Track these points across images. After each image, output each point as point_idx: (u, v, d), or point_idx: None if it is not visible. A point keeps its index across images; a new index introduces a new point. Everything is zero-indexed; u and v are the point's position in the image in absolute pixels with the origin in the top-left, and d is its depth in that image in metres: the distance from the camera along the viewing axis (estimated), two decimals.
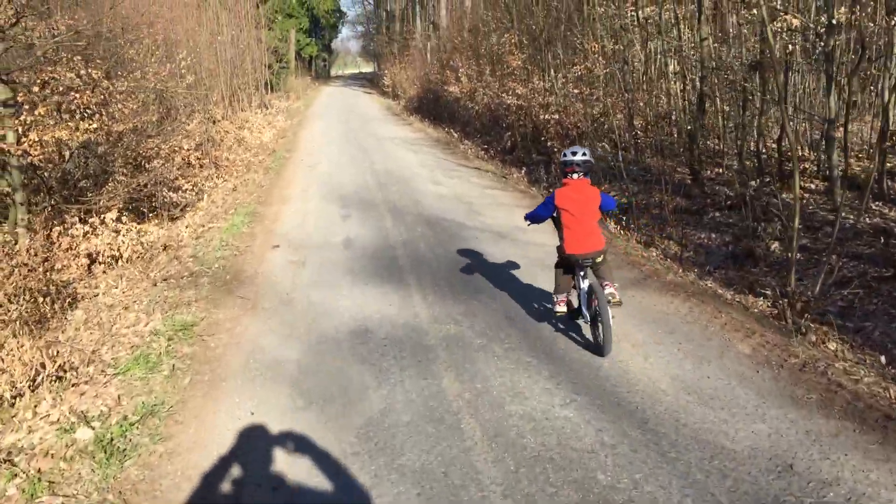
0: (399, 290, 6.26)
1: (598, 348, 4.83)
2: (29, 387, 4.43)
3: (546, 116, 13.98)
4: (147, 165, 11.56)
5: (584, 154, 4.87)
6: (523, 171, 12.49)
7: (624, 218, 9.16)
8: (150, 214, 11.02)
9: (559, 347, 4.96)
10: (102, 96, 9.67)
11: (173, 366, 4.78)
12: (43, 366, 4.48)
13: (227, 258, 7.46)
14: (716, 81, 11.05)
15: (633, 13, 12.33)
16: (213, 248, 7.76)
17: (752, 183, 9.83)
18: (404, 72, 31.60)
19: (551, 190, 10.96)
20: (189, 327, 5.43)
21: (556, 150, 13.30)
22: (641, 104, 12.75)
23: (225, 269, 7.06)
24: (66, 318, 6.94)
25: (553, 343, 5.03)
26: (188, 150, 13.58)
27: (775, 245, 8.27)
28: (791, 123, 11.51)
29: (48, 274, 7.70)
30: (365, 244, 7.90)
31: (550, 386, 4.37)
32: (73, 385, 4.45)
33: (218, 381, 4.61)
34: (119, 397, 4.31)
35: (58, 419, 4.08)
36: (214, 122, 19.69)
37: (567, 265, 5.01)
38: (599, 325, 4.73)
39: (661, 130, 12.67)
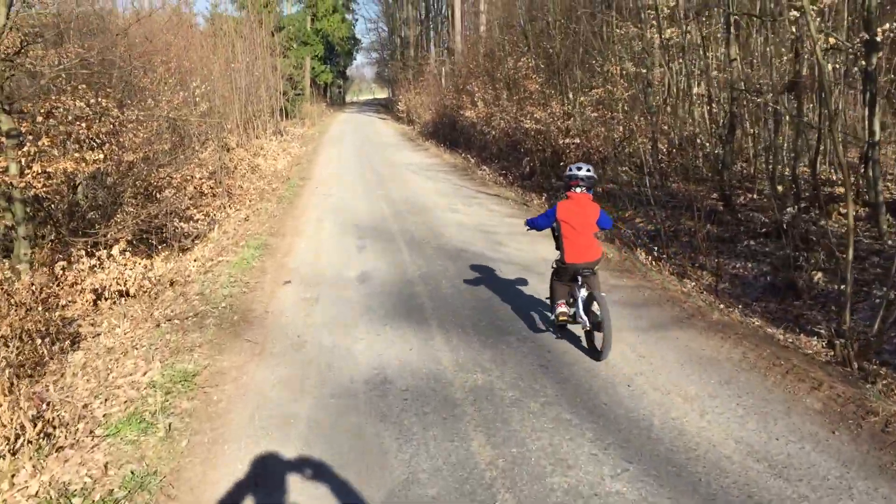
0: (419, 332, 5.72)
1: (595, 353, 4.98)
2: (9, 450, 3.93)
3: (566, 141, 13.49)
4: (158, 195, 11.20)
5: (588, 170, 5.05)
6: (544, 198, 11.97)
7: (655, 249, 8.59)
8: (160, 246, 10.62)
9: (602, 402, 4.37)
10: (112, 125, 9.32)
11: (169, 425, 4.25)
12: (23, 427, 3.97)
13: (235, 296, 6.96)
14: (745, 103, 10.52)
15: (654, 34, 11.87)
16: (221, 285, 7.27)
17: (790, 209, 9.23)
18: (419, 97, 31.38)
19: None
20: (190, 378, 4.91)
21: None
22: (665, 127, 12.23)
23: (232, 309, 6.55)
24: (65, 361, 6.47)
25: (595, 396, 4.45)
26: (201, 178, 13.22)
27: (819, 276, 7.66)
28: (834, 145, 10.96)
29: (49, 312, 7.25)
30: (382, 279, 7.38)
31: (597, 451, 3.79)
32: (57, 449, 3.93)
33: (219, 442, 4.07)
34: (106, 466, 3.78)
35: (37, 492, 3.56)
36: (228, 150, 19.43)
37: (566, 275, 5.14)
38: (600, 331, 4.86)
39: (686, 154, 12.13)
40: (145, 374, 5.04)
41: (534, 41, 17.12)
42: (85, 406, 4.66)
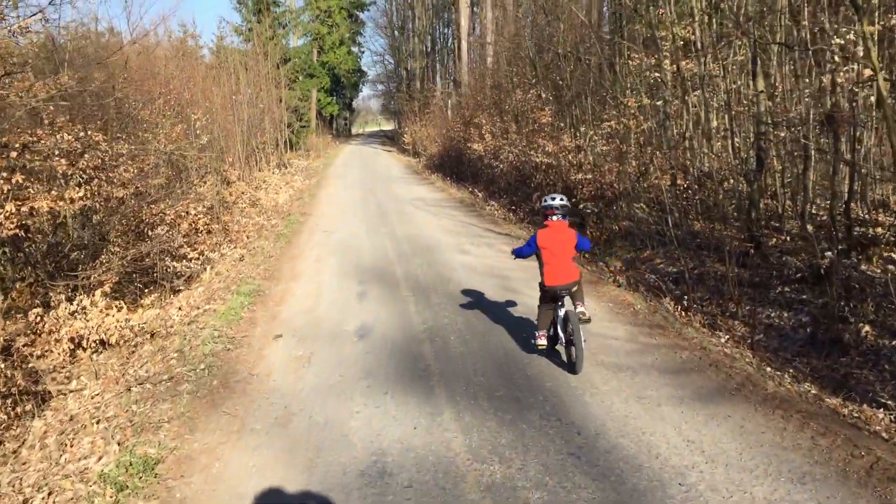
0: (426, 405, 4.88)
1: (571, 367, 5.37)
2: None
3: (578, 176, 12.77)
4: (150, 233, 10.48)
5: (562, 199, 5.55)
6: None
7: (683, 297, 7.77)
8: (150, 288, 9.86)
9: None
10: (101, 160, 8.64)
11: None
12: None
13: (217, 354, 6.14)
14: (771, 139, 9.79)
15: (670, 65, 11.20)
16: (204, 340, 6.46)
17: (829, 254, 8.43)
18: (425, 129, 30.90)
19: (598, 252, 9.21)
20: (151, 467, 4.07)
21: (590, 212, 12.06)
22: (686, 163, 11.50)
23: (212, 371, 5.73)
24: (27, 426, 5.67)
25: (642, 498, 3.60)
26: (196, 214, 12.51)
27: (866, 329, 6.82)
28: (871, 183, 10.17)
29: (15, 368, 6.48)
30: (384, 334, 6.56)
31: None
32: None
33: None
34: None
35: None
36: (229, 184, 18.82)
37: (547, 297, 5.52)
38: (573, 346, 5.27)
39: (708, 191, 11.38)
40: (100, 459, 4.21)
41: (542, 72, 16.55)
42: (25, 503, 3.84)
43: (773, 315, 7.69)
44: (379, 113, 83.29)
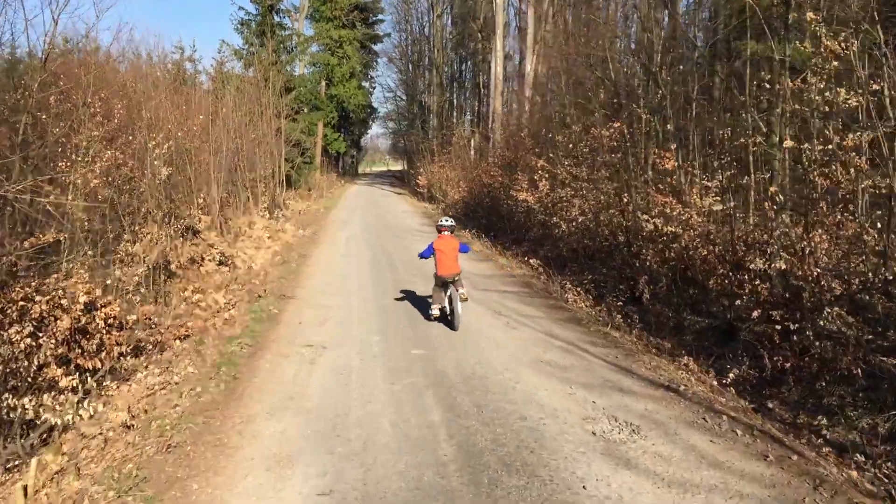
0: None
1: (452, 326, 7.56)
2: None
3: (741, 254, 7.37)
4: None
5: (450, 221, 8.20)
6: (730, 376, 5.69)
7: None
8: None
9: None
10: None
11: None
12: None
13: None
14: None
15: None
16: None
17: None
18: (443, 171, 25.63)
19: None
20: None
21: (761, 331, 6.68)
22: None
23: None
24: None
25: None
26: (98, 298, 7.03)
27: None
28: None
29: None
30: None
31: None
32: None
33: None
34: None
35: None
36: (195, 234, 13.39)
37: (440, 282, 7.76)
38: (454, 314, 7.50)
39: None
40: None
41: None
42: None
43: None
44: (387, 152, 78.65)
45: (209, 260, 12.18)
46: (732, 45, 11.46)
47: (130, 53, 19.15)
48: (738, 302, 6.92)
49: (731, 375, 5.91)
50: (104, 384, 6.11)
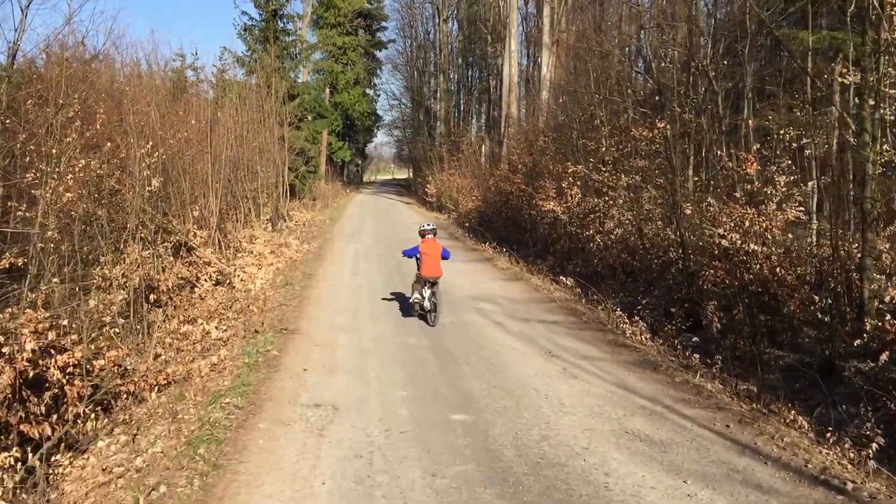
0: None
1: (431, 323, 8.09)
2: None
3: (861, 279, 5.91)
4: None
5: (431, 226, 8.77)
6: (873, 446, 4.20)
7: None
8: None
9: None
10: None
11: None
12: None
13: None
14: None
15: None
16: None
17: None
18: (454, 179, 24.19)
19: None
20: None
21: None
22: None
23: None
24: None
25: None
26: (61, 342, 5.60)
27: None
28: None
29: None
30: None
31: None
32: None
33: None
34: None
35: None
36: (189, 251, 11.95)
37: (421, 281, 8.27)
38: (433, 312, 8.10)
39: None
40: None
41: (674, 93, 9.88)
42: None
43: None
44: (392, 161, 77.34)
45: (205, 279, 10.76)
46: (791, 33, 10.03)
47: (127, 57, 17.81)
48: (857, 342, 5.45)
49: (873, 446, 4.41)
50: (53, 459, 4.65)
